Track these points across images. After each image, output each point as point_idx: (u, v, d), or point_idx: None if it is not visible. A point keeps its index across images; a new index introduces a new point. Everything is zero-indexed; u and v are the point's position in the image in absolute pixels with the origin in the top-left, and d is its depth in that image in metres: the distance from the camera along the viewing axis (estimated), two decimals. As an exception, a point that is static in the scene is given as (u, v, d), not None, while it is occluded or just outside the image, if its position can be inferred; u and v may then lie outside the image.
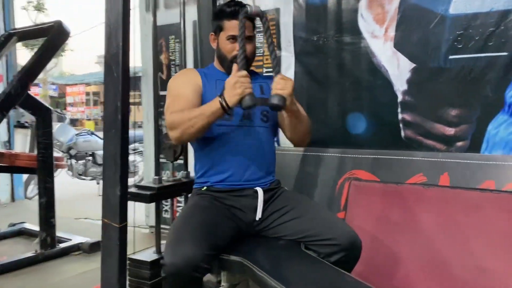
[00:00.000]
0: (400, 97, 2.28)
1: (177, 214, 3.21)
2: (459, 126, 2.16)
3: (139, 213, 3.19)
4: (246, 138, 1.67)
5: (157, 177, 2.09)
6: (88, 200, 5.08)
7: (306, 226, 1.56)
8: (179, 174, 2.22)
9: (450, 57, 2.13)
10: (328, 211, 1.61)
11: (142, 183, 2.18)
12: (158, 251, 2.06)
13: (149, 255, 2.01)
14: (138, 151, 6.26)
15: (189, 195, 1.81)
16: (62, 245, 2.88)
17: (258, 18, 1.69)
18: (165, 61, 3.16)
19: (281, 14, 2.63)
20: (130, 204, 1.79)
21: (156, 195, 2.03)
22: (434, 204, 2.12)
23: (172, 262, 1.35)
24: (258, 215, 1.61)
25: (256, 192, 1.64)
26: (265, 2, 2.65)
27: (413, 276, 2.06)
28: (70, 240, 2.95)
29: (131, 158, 6.17)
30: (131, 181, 6.31)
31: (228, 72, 1.74)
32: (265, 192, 1.65)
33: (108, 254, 1.74)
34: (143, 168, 6.42)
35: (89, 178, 5.76)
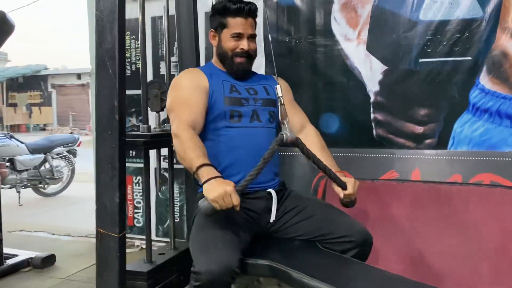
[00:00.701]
0: (372, 98, 2.38)
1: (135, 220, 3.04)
2: (428, 125, 2.32)
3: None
4: (255, 139, 1.64)
5: (145, 125, 2.04)
6: (10, 211, 4.59)
7: (319, 225, 1.57)
8: (165, 126, 2.17)
9: (420, 60, 2.28)
10: (337, 208, 1.63)
11: (133, 133, 2.13)
12: (149, 260, 1.94)
13: (140, 265, 1.89)
14: (63, 155, 5.82)
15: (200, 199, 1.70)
16: (9, 262, 2.58)
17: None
18: (119, 59, 2.97)
19: (250, 14, 2.61)
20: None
21: (149, 143, 1.99)
22: (408, 198, 2.27)
23: (209, 270, 1.29)
24: (273, 217, 1.59)
25: (269, 194, 1.61)
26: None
27: (393, 267, 2.17)
28: (17, 255, 2.65)
29: (54, 163, 5.71)
30: (54, 187, 5.84)
31: (229, 69, 1.70)
32: (276, 193, 1.63)
33: (106, 267, 1.60)
34: (67, 173, 6.01)
35: (7, 186, 5.21)
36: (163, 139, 2.08)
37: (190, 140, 1.47)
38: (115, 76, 1.58)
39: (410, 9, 2.27)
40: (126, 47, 2.95)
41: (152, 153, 2.86)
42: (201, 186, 1.41)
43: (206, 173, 1.39)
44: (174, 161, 2.84)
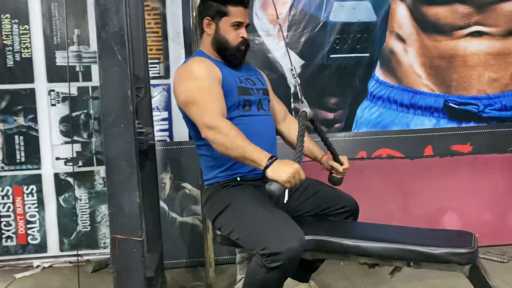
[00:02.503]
0: (292, 89, 2.65)
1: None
2: (337, 112, 2.72)
3: None
4: (264, 126, 1.69)
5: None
6: None
7: (323, 200, 1.74)
8: None
9: (331, 56, 2.64)
10: (329, 185, 1.82)
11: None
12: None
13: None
14: None
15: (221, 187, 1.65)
16: None
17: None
18: (-5, 46, 2.47)
19: (167, 5, 2.55)
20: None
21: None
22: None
23: (290, 247, 1.33)
24: (286, 198, 1.68)
25: None
26: (147, -10, 2.50)
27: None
28: None
29: None
30: None
31: (231, 59, 1.70)
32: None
33: (130, 275, 1.44)
34: None
35: None
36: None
37: (232, 129, 1.45)
38: (126, 62, 1.41)
39: (321, 11, 2.60)
40: (5, 33, 2.47)
41: (48, 156, 2.55)
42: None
43: (264, 156, 1.41)
44: (80, 163, 2.57)
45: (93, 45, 2.53)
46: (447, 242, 1.39)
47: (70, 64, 2.52)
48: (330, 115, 2.71)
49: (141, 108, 1.97)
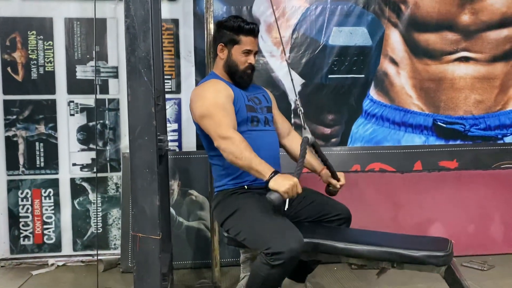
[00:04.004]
0: (293, 106, 2.87)
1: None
2: (334, 127, 2.94)
3: None
4: (270, 141, 1.91)
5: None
6: None
7: (319, 208, 1.95)
8: None
9: (329, 76, 2.87)
10: (324, 194, 2.03)
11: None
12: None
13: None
14: None
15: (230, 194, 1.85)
16: None
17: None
18: (20, 60, 2.68)
19: (180, 26, 2.77)
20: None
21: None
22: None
23: (291, 248, 1.53)
24: (287, 206, 1.89)
25: None
26: (162, 13, 2.72)
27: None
28: None
29: None
30: None
31: (240, 81, 1.92)
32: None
33: (148, 270, 1.64)
34: None
35: None
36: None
37: (243, 142, 1.67)
38: (151, 83, 1.63)
39: (321, 35, 2.83)
40: (31, 48, 2.69)
41: (66, 162, 2.75)
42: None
43: (268, 169, 1.63)
44: (95, 169, 2.77)
45: (111, 61, 2.74)
46: (426, 246, 1.60)
47: (89, 77, 2.73)
48: (327, 130, 2.93)
49: (159, 118, 2.18)
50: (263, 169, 1.64)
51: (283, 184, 1.58)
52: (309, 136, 1.79)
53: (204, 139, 1.90)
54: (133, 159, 1.63)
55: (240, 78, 1.92)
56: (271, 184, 1.60)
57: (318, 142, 1.88)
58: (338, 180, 1.97)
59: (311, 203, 1.95)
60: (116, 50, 2.72)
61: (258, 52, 2.00)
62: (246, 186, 1.85)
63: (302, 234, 1.66)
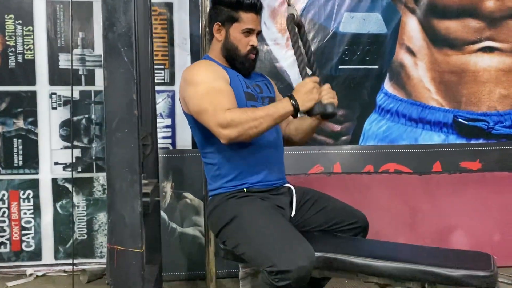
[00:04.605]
0: (299, 99, 2.58)
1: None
2: (344, 124, 2.66)
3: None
4: (271, 136, 1.62)
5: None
6: None
7: (331, 216, 1.67)
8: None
9: (340, 67, 2.59)
10: (337, 199, 1.75)
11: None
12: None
13: None
14: None
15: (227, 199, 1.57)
16: None
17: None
18: (-3, 47, 2.42)
19: (174, 10, 2.50)
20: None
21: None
22: (337, 188, 2.54)
23: (300, 266, 1.26)
24: (293, 211, 1.61)
25: (289, 189, 1.63)
26: (155, -5, 2.46)
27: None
28: None
29: None
30: None
31: (240, 66, 1.64)
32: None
33: (128, 289, 1.36)
34: None
35: None
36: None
37: (246, 111, 1.46)
38: (132, 65, 1.36)
39: (331, 21, 2.56)
40: (8, 34, 2.42)
41: (47, 161, 2.49)
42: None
43: (284, 105, 1.46)
44: (79, 169, 2.51)
45: (97, 49, 2.47)
46: (465, 263, 1.32)
47: (73, 67, 2.46)
48: (337, 127, 2.65)
49: (146, 114, 1.91)
50: (278, 108, 1.47)
51: (307, 98, 1.45)
52: (294, 11, 1.56)
53: (196, 132, 1.62)
54: (110, 156, 1.37)
55: (241, 64, 1.63)
56: (302, 107, 1.46)
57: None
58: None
59: (322, 209, 1.67)
60: (103, 37, 2.45)
61: (260, 33, 1.71)
62: (245, 189, 1.56)
63: (313, 246, 1.38)
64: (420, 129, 2.70)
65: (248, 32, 1.63)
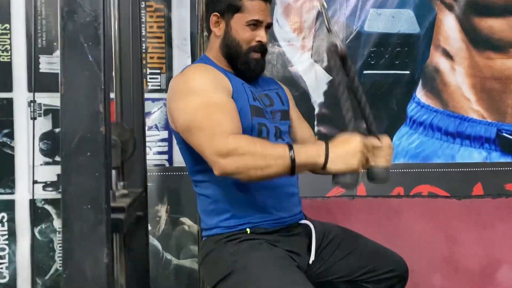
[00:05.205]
0: (317, 110, 2.23)
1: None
2: (369, 138, 2.28)
3: None
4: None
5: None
6: None
7: (362, 262, 1.31)
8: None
9: (364, 72, 2.24)
10: (369, 239, 1.39)
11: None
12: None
13: None
14: None
15: (224, 242, 1.19)
16: None
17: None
18: (-32, 48, 2.11)
19: (173, 6, 2.18)
20: None
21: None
22: (361, 214, 2.19)
23: None
24: (312, 257, 1.24)
25: (307, 226, 1.26)
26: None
27: None
28: None
29: None
30: None
31: (243, 69, 1.28)
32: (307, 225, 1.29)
33: None
34: None
35: None
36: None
37: (256, 142, 1.08)
38: (99, 66, 1.01)
39: (355, 19, 2.21)
40: (-18, 33, 2.11)
41: (24, 179, 2.18)
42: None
43: (316, 151, 1.07)
44: (60, 189, 2.17)
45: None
46: None
47: (56, 71, 2.15)
48: (361, 143, 2.28)
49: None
50: (311, 154, 1.07)
51: (350, 157, 1.08)
52: (338, 41, 1.16)
53: (186, 155, 1.26)
54: (67, 188, 1.01)
55: (244, 65, 1.28)
56: (333, 167, 1.07)
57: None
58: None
59: (350, 253, 1.31)
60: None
61: (271, 26, 1.35)
62: (248, 230, 1.20)
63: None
64: (458, 145, 2.33)
65: (255, 24, 1.27)
